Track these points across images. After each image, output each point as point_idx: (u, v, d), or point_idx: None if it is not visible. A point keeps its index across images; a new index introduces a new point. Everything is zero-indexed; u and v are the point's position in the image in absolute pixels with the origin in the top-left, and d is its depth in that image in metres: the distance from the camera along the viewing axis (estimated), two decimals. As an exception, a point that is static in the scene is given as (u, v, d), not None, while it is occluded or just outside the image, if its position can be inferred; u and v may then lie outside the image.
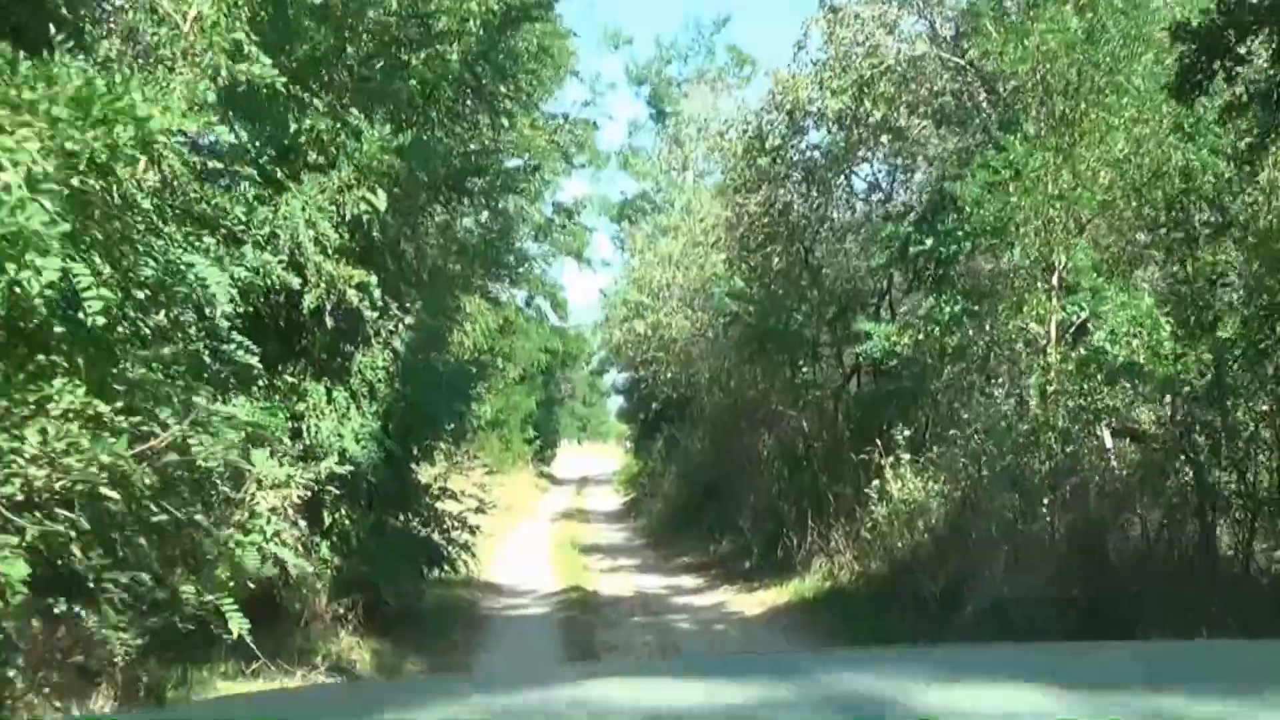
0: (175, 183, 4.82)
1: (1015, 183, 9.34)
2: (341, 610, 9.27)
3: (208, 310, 8.05)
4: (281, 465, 6.07)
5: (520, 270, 16.27)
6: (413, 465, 11.13)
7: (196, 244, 4.84)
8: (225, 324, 5.55)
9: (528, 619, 11.81)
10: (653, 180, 30.58)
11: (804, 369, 14.22)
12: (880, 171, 13.95)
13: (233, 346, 5.44)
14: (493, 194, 11.70)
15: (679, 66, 31.34)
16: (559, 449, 56.17)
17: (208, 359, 5.50)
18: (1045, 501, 9.52)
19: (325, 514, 9.83)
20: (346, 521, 9.82)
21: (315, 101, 7.53)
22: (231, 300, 8.73)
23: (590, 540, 20.54)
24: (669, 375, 21.81)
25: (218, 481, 6.07)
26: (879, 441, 11.01)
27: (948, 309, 9.84)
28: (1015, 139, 9.20)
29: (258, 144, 8.45)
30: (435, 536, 10.92)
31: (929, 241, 9.90)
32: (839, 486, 12.41)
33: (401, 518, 10.84)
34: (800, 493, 13.41)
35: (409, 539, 10.71)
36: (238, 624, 5.58)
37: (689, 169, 24.08)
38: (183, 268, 4.56)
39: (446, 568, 11.13)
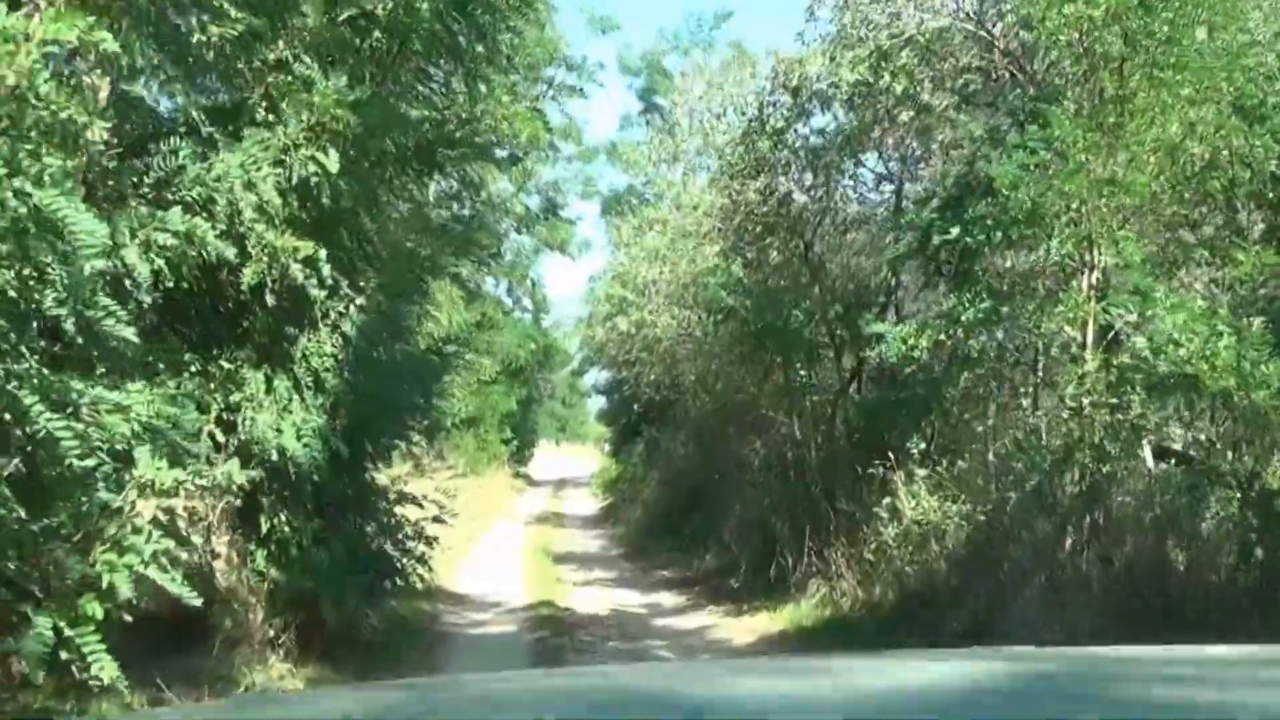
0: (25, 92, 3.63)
1: (1056, 164, 8.23)
2: (273, 632, 8.07)
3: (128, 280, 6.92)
4: (171, 467, 4.89)
5: (492, 252, 14.95)
6: (368, 465, 9.98)
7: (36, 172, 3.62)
8: (99, 293, 4.36)
9: (492, 640, 10.62)
10: (642, 173, 29.43)
11: (801, 371, 13.08)
12: (892, 159, 12.83)
13: (99, 314, 4.21)
14: (467, 166, 10.51)
15: (677, 59, 30.13)
16: (537, 450, 54.93)
17: (71, 328, 4.29)
18: (1081, 527, 8.44)
19: (263, 519, 8.69)
20: (286, 528, 8.65)
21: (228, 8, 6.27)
22: (159, 271, 7.61)
23: (565, 547, 19.39)
24: (652, 376, 20.63)
25: (101, 484, 4.90)
26: (891, 454, 9.88)
27: (971, 309, 8.71)
28: (1060, 112, 8.08)
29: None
30: (389, 548, 9.74)
31: (954, 230, 8.77)
32: (839, 502, 11.28)
33: (353, 525, 9.66)
34: (794, 507, 12.26)
35: (359, 550, 9.51)
36: (109, 670, 4.39)
37: (680, 160, 22.93)
38: (15, 201, 3.36)
39: (401, 582, 9.95)
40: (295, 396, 8.34)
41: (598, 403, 49.82)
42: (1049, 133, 8.08)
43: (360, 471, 9.51)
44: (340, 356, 8.45)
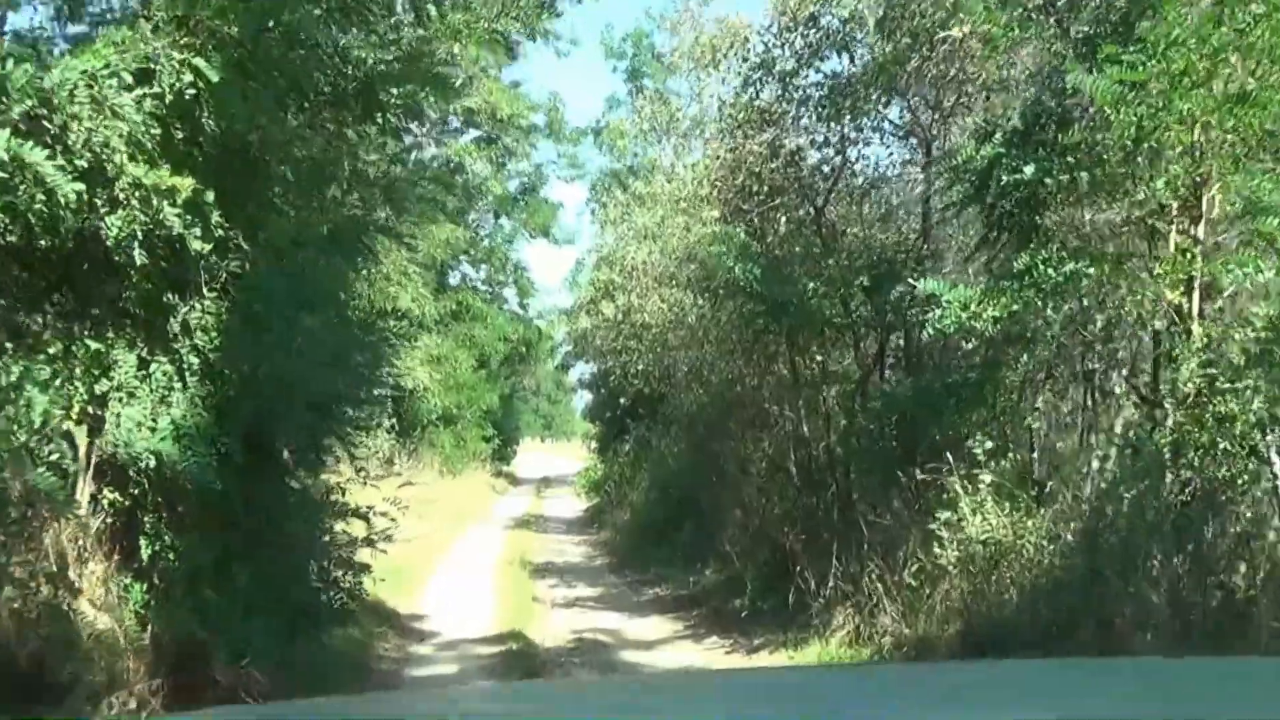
0: None
1: (1165, 79, 6.32)
2: (134, 702, 6.11)
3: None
4: None
5: (440, 202, 12.93)
6: (295, 472, 8.07)
7: None
8: None
9: (441, 690, 8.64)
10: (630, 153, 27.50)
11: (817, 356, 11.18)
12: (921, 106, 10.87)
13: None
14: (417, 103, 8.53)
15: (664, 38, 28.07)
16: (520, 447, 52.89)
17: None
18: (1186, 549, 6.55)
19: (144, 544, 6.77)
20: (171, 555, 6.72)
21: None
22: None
23: (545, 556, 17.45)
24: (641, 366, 18.70)
25: None
26: (949, 456, 7.93)
27: (1051, 270, 6.77)
28: (1175, 3, 6.16)
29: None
30: (314, 577, 7.79)
31: (1028, 170, 6.86)
32: (866, 512, 9.36)
33: (271, 549, 7.67)
34: (810, 517, 10.35)
35: (275, 581, 7.52)
36: None
37: (672, 131, 20.97)
38: None
39: (332, 615, 7.99)
40: (177, 384, 6.41)
41: (584, 399, 48.10)
42: (1159, 31, 6.15)
43: (273, 481, 7.56)
44: (234, 330, 6.50)
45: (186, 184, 5.91)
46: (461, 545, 18.42)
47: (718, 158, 12.16)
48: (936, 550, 7.46)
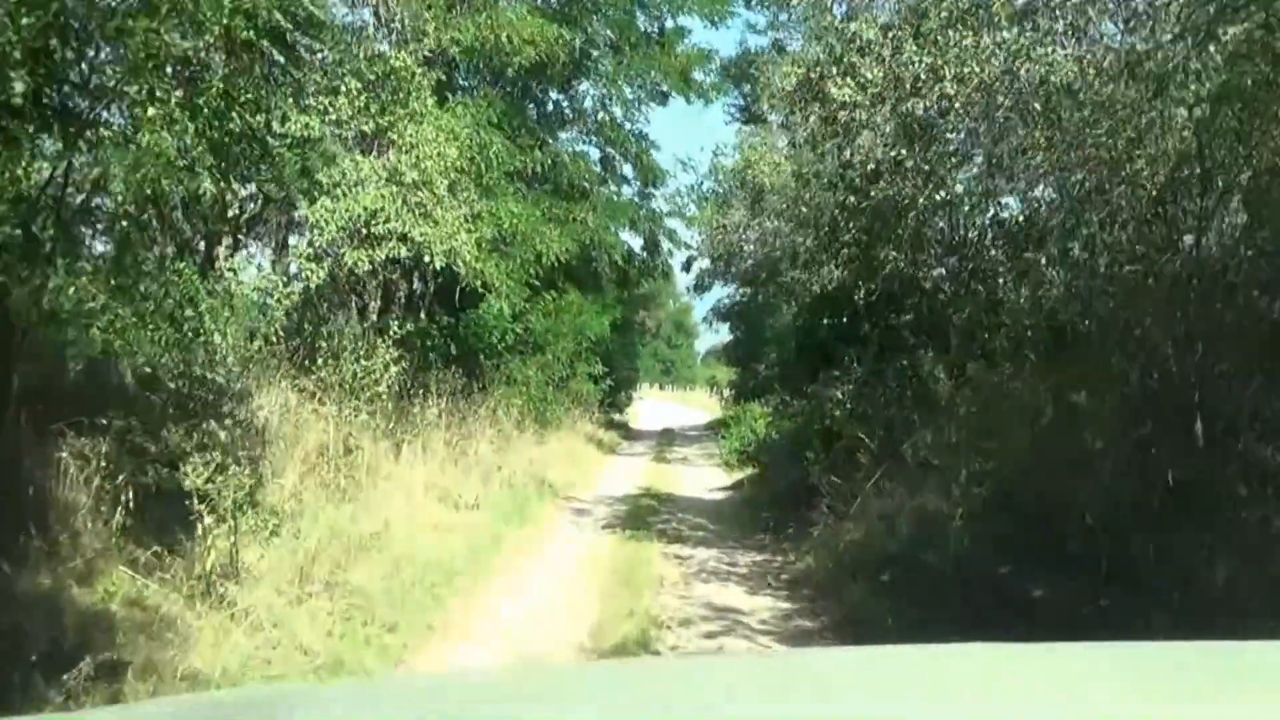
0: None
1: None
2: None
3: None
4: None
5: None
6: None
7: None
8: None
9: None
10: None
11: None
12: None
13: None
14: None
15: None
16: (635, 392, 42.71)
17: None
18: None
19: None
20: None
21: None
22: None
23: (680, 632, 7.52)
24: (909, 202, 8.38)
25: None
26: None
27: None
28: None
29: None
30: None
31: None
32: None
33: None
34: None
35: None
36: None
37: None
38: None
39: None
40: None
41: (713, 339, 38.71)
42: None
43: None
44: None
45: None
46: (507, 593, 8.56)
47: None
48: None
